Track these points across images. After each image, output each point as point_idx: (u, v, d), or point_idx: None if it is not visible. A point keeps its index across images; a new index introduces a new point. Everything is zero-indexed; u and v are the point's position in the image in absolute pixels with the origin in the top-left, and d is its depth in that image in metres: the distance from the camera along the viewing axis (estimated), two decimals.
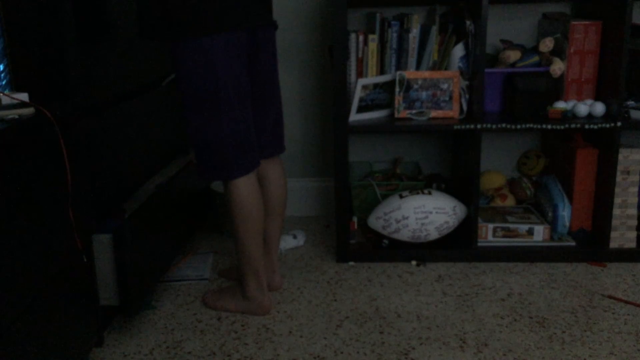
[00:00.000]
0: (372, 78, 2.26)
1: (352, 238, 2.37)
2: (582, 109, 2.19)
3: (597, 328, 1.84)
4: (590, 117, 2.22)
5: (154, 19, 1.71)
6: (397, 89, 2.24)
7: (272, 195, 2.00)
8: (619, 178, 2.21)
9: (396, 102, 2.25)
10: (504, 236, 2.32)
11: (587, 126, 2.16)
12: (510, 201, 2.52)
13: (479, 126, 2.18)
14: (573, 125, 2.16)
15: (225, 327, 1.91)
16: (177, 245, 2.13)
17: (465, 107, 2.25)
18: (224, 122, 1.75)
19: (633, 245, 2.26)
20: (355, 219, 2.39)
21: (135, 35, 1.96)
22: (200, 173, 1.84)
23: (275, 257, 2.09)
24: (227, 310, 1.98)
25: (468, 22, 2.21)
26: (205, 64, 1.69)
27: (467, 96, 2.26)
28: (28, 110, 1.39)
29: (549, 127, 2.17)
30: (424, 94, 2.25)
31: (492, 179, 2.54)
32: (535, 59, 2.29)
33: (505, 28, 2.53)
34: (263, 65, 1.86)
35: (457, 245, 2.33)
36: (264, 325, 1.91)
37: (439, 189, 2.52)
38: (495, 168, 2.68)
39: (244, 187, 1.82)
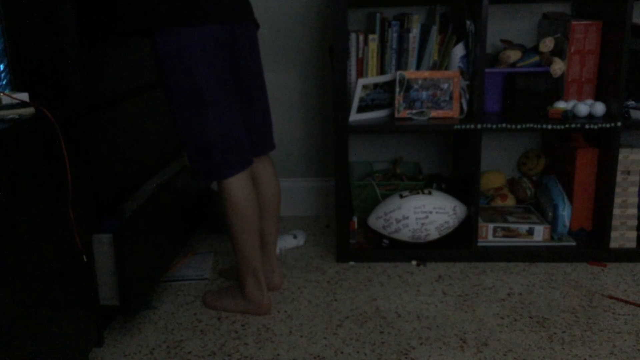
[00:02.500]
0: (372, 78, 2.26)
1: (352, 238, 2.37)
2: (582, 109, 2.19)
3: (597, 328, 1.84)
4: (590, 117, 2.21)
5: (128, 10, 1.69)
6: (397, 89, 2.24)
7: (265, 194, 2.00)
8: (619, 178, 2.21)
9: (396, 102, 2.25)
10: (504, 236, 2.32)
11: (587, 126, 2.16)
12: (510, 201, 2.52)
13: (479, 126, 2.18)
14: (573, 125, 2.16)
15: (225, 327, 1.91)
16: (177, 245, 2.13)
17: (465, 107, 2.25)
18: (210, 120, 1.74)
19: (633, 245, 2.26)
20: (355, 219, 2.39)
21: (109, 30, 1.89)
22: (193, 174, 1.83)
23: (274, 256, 2.08)
24: (226, 310, 1.98)
25: (468, 22, 2.20)
26: (184, 59, 1.67)
27: (467, 96, 2.26)
28: (28, 110, 1.39)
29: (549, 127, 2.17)
30: (424, 94, 2.25)
31: (492, 178, 2.54)
32: (536, 58, 2.29)
33: (505, 28, 2.53)
34: (246, 63, 1.84)
35: (457, 245, 2.33)
36: (264, 325, 1.91)
37: (439, 189, 2.52)
38: (495, 168, 2.68)
39: (237, 186, 1.81)
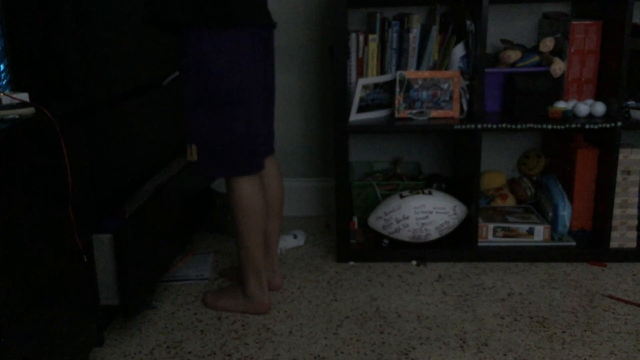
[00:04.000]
0: (373, 78, 2.26)
1: (352, 238, 2.37)
2: (583, 108, 2.19)
3: (597, 328, 1.84)
4: (590, 117, 2.21)
5: (176, 3, 1.69)
6: (397, 89, 2.24)
7: (269, 194, 2.01)
8: (619, 178, 2.21)
9: (396, 102, 2.25)
10: (504, 236, 2.32)
11: (587, 126, 2.16)
12: (510, 201, 2.52)
13: (479, 126, 2.18)
14: (573, 125, 2.16)
15: (225, 327, 1.91)
16: (177, 245, 2.13)
17: (465, 107, 2.25)
18: (242, 118, 1.76)
19: (633, 245, 2.26)
20: (355, 219, 2.39)
21: (143, 18, 1.82)
22: (203, 169, 1.82)
23: (275, 256, 2.09)
24: (227, 309, 1.98)
25: (468, 22, 2.20)
26: (232, 59, 1.70)
27: (468, 96, 2.26)
28: (28, 110, 1.39)
29: (549, 127, 2.17)
30: (424, 94, 2.25)
31: (493, 178, 2.53)
32: (536, 58, 2.29)
33: (505, 28, 2.53)
34: (269, 66, 1.89)
35: (458, 245, 2.33)
36: (264, 325, 1.91)
37: (439, 189, 2.52)
38: (496, 168, 2.68)
39: (250, 185, 1.83)
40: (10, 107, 1.39)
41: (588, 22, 2.22)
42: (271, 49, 1.89)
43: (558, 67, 2.22)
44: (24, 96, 1.44)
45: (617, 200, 2.23)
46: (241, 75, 1.73)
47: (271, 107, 1.96)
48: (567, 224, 2.28)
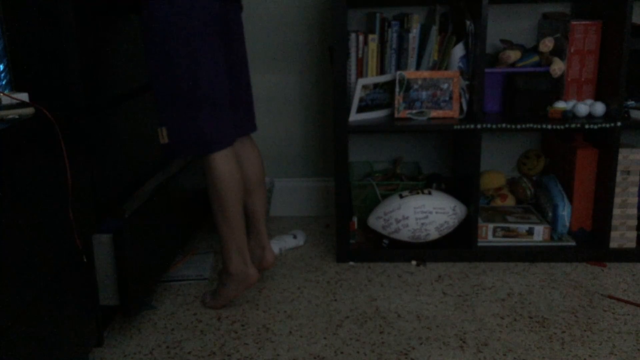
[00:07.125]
0: (372, 78, 2.26)
1: (352, 238, 2.37)
2: (582, 108, 2.19)
3: (597, 328, 1.84)
4: (590, 117, 2.22)
5: None
6: (397, 89, 2.24)
7: (249, 171, 2.02)
8: (619, 178, 2.21)
9: (396, 102, 2.25)
10: (504, 236, 2.32)
11: (587, 126, 2.16)
12: (510, 201, 2.52)
13: (479, 126, 2.18)
14: (573, 125, 2.16)
15: (225, 327, 1.91)
16: (177, 245, 2.13)
17: (465, 107, 2.25)
18: (204, 89, 1.76)
19: (633, 245, 2.26)
20: (355, 219, 2.39)
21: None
22: (175, 151, 1.82)
23: (264, 233, 2.08)
24: (225, 300, 1.97)
25: (468, 22, 2.21)
26: (185, 31, 1.70)
27: (467, 96, 2.26)
28: (28, 110, 1.39)
29: (549, 127, 2.17)
30: (424, 94, 2.25)
31: (492, 179, 2.54)
32: (535, 58, 2.29)
33: (505, 28, 2.53)
34: (234, 44, 1.89)
35: (457, 245, 2.33)
36: (264, 325, 1.91)
37: (439, 189, 2.52)
38: (495, 168, 2.68)
39: (224, 160, 1.83)
40: (10, 107, 1.40)
41: (588, 22, 2.22)
42: (235, 24, 1.88)
43: (558, 67, 2.23)
44: (24, 96, 1.44)
45: (617, 200, 2.23)
46: (197, 50, 1.72)
47: (242, 86, 1.95)
48: (567, 224, 2.28)
